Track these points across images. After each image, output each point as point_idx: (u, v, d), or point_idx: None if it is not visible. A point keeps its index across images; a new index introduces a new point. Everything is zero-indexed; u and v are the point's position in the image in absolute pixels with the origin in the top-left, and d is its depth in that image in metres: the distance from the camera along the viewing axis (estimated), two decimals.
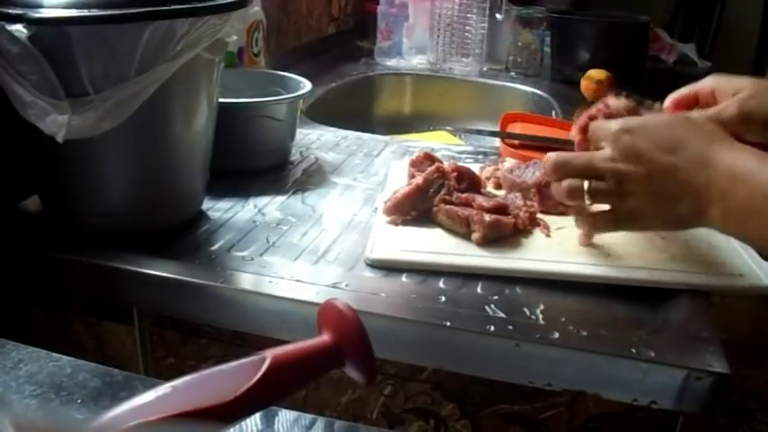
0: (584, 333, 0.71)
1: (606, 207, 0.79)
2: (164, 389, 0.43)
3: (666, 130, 0.73)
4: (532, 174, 0.96)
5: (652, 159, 0.72)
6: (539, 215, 0.91)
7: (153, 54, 0.74)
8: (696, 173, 0.70)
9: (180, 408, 0.41)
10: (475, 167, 1.01)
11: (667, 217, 0.74)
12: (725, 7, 3.22)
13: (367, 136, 1.30)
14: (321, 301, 0.53)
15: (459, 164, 0.95)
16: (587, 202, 0.79)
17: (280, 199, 0.99)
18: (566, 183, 0.79)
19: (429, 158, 0.97)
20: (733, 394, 2.34)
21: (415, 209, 0.89)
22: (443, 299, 0.76)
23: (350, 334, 0.48)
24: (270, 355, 0.46)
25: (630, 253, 0.83)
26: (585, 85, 1.67)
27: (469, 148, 1.28)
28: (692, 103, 0.87)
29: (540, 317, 0.74)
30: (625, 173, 0.74)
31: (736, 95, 0.81)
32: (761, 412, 2.32)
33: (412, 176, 0.95)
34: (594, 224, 0.81)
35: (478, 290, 0.78)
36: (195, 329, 0.83)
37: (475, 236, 0.84)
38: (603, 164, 0.75)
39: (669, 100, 0.90)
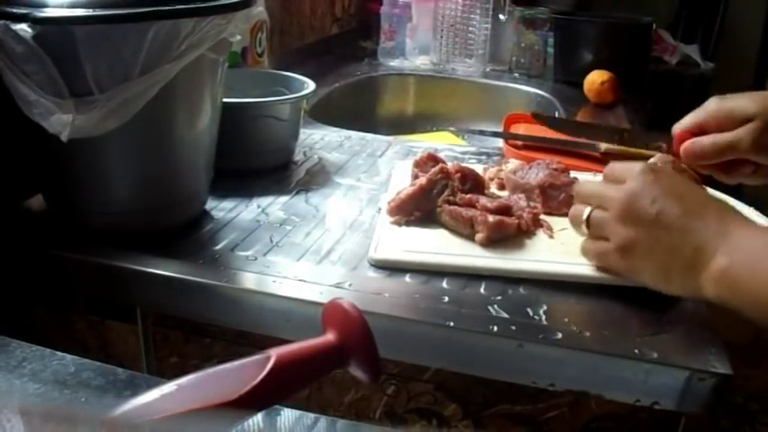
0: (587, 334, 0.71)
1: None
2: (169, 387, 0.43)
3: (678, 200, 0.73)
4: (536, 175, 0.96)
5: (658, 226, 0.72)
6: (542, 216, 0.91)
7: (157, 54, 0.75)
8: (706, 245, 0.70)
9: (186, 406, 0.41)
10: (478, 168, 1.01)
11: (661, 264, 0.73)
12: (728, 8, 3.22)
13: (370, 136, 1.30)
14: (325, 300, 0.53)
15: (463, 165, 0.95)
16: (583, 228, 0.79)
17: (283, 199, 0.99)
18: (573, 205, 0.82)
19: (433, 159, 0.98)
20: (735, 396, 2.34)
21: (418, 209, 0.89)
22: (447, 299, 0.76)
23: (355, 333, 0.48)
24: (274, 353, 0.46)
25: None
26: (588, 86, 1.67)
27: (472, 149, 1.28)
28: (699, 131, 0.89)
29: (544, 317, 0.74)
30: (633, 206, 0.74)
31: (749, 125, 0.84)
32: (763, 414, 2.32)
33: (415, 177, 0.95)
34: (586, 248, 0.81)
35: (482, 290, 0.78)
36: (199, 329, 0.83)
37: (478, 237, 0.84)
38: (612, 193, 0.75)
39: (676, 131, 0.91)
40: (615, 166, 0.79)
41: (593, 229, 0.78)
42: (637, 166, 0.75)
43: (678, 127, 0.90)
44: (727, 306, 0.70)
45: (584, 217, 0.78)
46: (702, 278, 0.70)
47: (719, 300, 0.69)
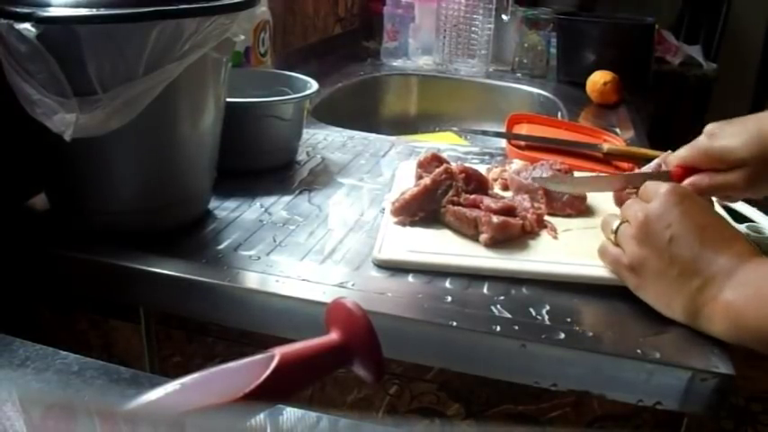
0: (590, 334, 0.71)
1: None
2: (172, 386, 0.43)
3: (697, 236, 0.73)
4: (540, 176, 0.96)
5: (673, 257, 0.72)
6: (546, 217, 0.91)
7: (161, 53, 0.75)
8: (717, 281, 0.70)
9: (189, 405, 0.41)
10: (481, 168, 1.01)
11: (666, 288, 0.73)
12: (731, 9, 3.21)
13: (373, 136, 1.30)
14: (328, 300, 0.53)
15: (467, 165, 0.95)
16: (612, 238, 0.79)
17: (286, 199, 0.99)
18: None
19: (437, 159, 0.97)
20: (737, 397, 2.33)
21: (422, 210, 0.89)
22: (450, 299, 0.76)
23: (358, 333, 0.48)
24: (278, 352, 0.46)
25: None
26: (591, 86, 1.67)
27: (475, 149, 1.28)
28: (692, 167, 0.87)
29: (546, 317, 0.74)
30: (650, 228, 0.74)
31: (742, 171, 0.83)
32: (765, 415, 2.32)
33: (419, 177, 0.95)
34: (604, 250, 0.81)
35: (485, 290, 0.78)
36: (202, 328, 0.83)
37: (483, 237, 0.84)
38: (634, 211, 0.76)
39: (671, 166, 0.90)
40: (647, 184, 0.79)
41: (618, 240, 0.78)
42: (663, 187, 0.75)
43: (673, 160, 0.89)
44: (731, 341, 0.70)
45: (614, 228, 0.78)
46: (707, 311, 0.70)
47: (724, 334, 0.70)
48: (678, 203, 0.73)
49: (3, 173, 0.92)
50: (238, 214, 0.94)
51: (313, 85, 1.11)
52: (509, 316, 0.73)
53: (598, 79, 1.66)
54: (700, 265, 0.71)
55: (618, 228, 0.78)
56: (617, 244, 0.78)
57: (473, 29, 1.90)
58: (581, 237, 0.87)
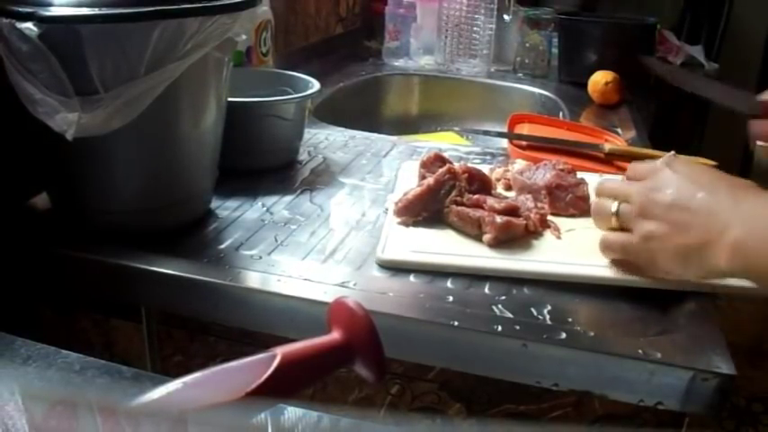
0: (591, 334, 0.71)
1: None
2: (174, 385, 0.43)
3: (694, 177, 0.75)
4: (543, 176, 0.96)
5: (678, 196, 0.74)
6: (549, 217, 0.91)
7: (163, 53, 0.75)
8: (718, 215, 0.71)
9: (191, 404, 0.41)
10: (483, 168, 1.01)
11: (678, 247, 0.74)
12: (732, 9, 3.21)
13: (375, 136, 1.30)
14: (329, 299, 0.53)
15: (470, 165, 0.95)
16: (613, 221, 0.80)
17: (288, 198, 0.99)
18: (595, 200, 0.84)
19: (440, 159, 0.97)
20: (738, 397, 2.33)
21: (426, 210, 0.89)
22: (451, 299, 0.76)
23: (360, 332, 0.48)
24: (280, 352, 0.46)
25: None
26: (593, 86, 1.67)
27: (477, 149, 1.28)
28: None
29: (548, 317, 0.74)
30: (651, 199, 0.75)
31: None
32: (766, 415, 2.31)
33: (422, 177, 0.95)
34: (609, 241, 0.81)
35: (486, 290, 0.78)
36: (203, 327, 0.83)
37: (486, 237, 0.84)
38: (635, 189, 0.78)
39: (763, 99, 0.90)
40: (637, 166, 0.82)
41: (621, 221, 0.79)
42: (656, 164, 0.78)
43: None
44: (740, 277, 0.71)
45: (614, 210, 0.79)
46: (717, 251, 0.70)
47: (733, 272, 0.70)
48: (673, 172, 0.76)
49: (4, 172, 0.92)
50: (240, 214, 0.94)
51: (314, 85, 1.11)
52: (510, 316, 0.73)
53: (599, 79, 1.66)
54: (701, 210, 0.72)
55: (618, 209, 0.79)
56: (620, 227, 0.79)
57: (475, 29, 1.89)
58: (584, 237, 0.86)
